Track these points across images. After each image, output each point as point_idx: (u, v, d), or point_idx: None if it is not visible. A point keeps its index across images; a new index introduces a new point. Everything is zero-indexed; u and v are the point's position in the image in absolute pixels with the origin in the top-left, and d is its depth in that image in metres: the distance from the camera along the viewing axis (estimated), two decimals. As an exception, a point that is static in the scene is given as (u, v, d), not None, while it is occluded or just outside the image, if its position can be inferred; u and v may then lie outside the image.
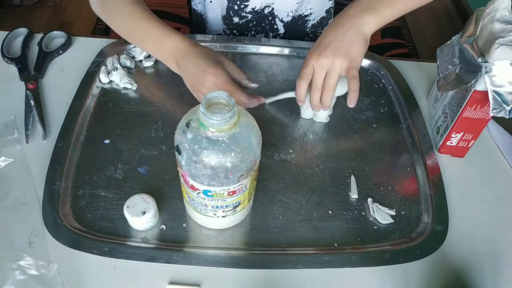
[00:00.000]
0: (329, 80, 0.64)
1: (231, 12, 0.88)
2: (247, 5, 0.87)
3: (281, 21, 0.91)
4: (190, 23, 1.00)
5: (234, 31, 0.92)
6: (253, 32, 0.93)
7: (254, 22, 0.91)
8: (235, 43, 0.84)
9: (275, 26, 0.92)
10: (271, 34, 0.94)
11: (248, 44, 0.83)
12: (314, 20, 0.94)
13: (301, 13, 0.91)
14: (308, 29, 0.95)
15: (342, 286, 0.55)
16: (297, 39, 0.91)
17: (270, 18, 0.90)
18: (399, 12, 0.67)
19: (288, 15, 0.90)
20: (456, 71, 0.64)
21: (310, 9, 0.91)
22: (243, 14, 0.89)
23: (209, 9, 0.90)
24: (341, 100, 0.72)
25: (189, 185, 0.51)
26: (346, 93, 0.68)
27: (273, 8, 0.89)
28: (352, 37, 0.63)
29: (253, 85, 0.70)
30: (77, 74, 0.75)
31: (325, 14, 0.95)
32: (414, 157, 0.70)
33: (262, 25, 0.92)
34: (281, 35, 0.94)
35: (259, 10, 0.88)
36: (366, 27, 0.64)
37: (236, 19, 0.90)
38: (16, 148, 0.64)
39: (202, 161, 0.46)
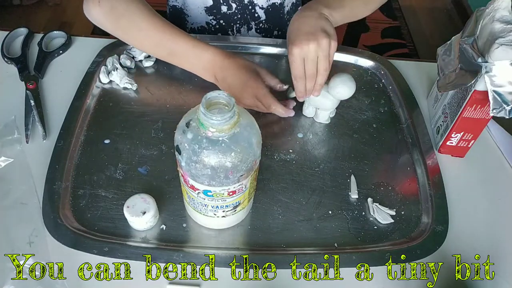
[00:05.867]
0: (320, 64, 0.64)
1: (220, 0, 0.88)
2: None
3: (261, 8, 0.91)
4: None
5: (221, 21, 0.92)
6: (238, 24, 0.93)
7: (238, 16, 0.91)
8: (229, 43, 0.84)
9: (256, 14, 0.92)
10: (253, 22, 0.94)
11: (247, 43, 0.84)
12: (287, 6, 0.95)
13: (276, 1, 0.92)
14: (285, 16, 0.96)
15: (342, 286, 0.55)
16: (276, 25, 0.92)
17: (250, 7, 0.91)
18: (348, 15, 0.72)
19: (267, 0, 0.90)
20: (456, 71, 0.64)
21: None
22: (230, 2, 0.89)
23: (190, 2, 0.90)
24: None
25: (189, 185, 0.51)
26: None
27: None
28: (324, 22, 0.66)
29: (285, 87, 0.72)
30: (77, 74, 0.75)
31: (294, 0, 0.96)
32: (414, 157, 0.70)
33: (244, 16, 0.92)
34: (263, 21, 0.94)
35: None
36: (330, 17, 0.68)
37: (224, 9, 0.90)
38: (16, 148, 0.64)
39: (202, 161, 0.46)
